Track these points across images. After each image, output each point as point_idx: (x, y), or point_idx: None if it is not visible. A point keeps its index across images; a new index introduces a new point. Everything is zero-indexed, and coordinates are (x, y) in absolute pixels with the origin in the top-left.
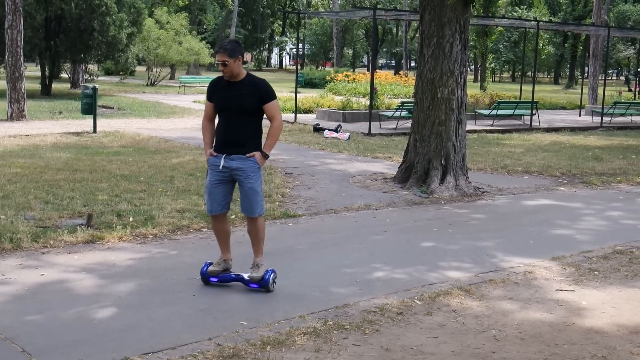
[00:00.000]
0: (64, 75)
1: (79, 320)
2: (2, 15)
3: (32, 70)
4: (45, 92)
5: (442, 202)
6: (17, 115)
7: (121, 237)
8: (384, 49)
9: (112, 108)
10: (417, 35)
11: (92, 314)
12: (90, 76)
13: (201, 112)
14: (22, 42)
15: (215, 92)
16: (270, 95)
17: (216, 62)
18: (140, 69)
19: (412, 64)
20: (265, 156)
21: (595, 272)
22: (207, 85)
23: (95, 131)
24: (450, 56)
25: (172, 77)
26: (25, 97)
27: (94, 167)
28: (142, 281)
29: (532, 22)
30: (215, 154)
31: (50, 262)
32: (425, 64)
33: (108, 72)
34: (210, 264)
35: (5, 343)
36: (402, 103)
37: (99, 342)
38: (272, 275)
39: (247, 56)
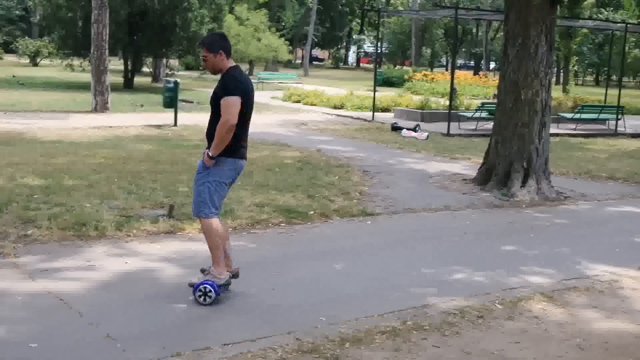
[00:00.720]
0: (145, 69)
1: (162, 308)
2: (88, 11)
3: (115, 64)
4: (128, 85)
5: (523, 206)
6: (101, 107)
7: (201, 229)
8: (463, 49)
9: (192, 102)
10: (497, 35)
11: (174, 302)
12: (170, 70)
13: (278, 108)
14: (107, 37)
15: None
16: (224, 91)
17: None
18: None
19: (492, 64)
20: (210, 157)
21: None
22: (284, 81)
23: (176, 124)
24: (536, 57)
25: (250, 73)
26: (109, 90)
27: (174, 159)
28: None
29: (620, 24)
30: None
31: (134, 250)
32: (509, 64)
33: (188, 67)
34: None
35: (91, 328)
36: (483, 104)
37: (181, 330)
38: (203, 287)
39: (323, 54)
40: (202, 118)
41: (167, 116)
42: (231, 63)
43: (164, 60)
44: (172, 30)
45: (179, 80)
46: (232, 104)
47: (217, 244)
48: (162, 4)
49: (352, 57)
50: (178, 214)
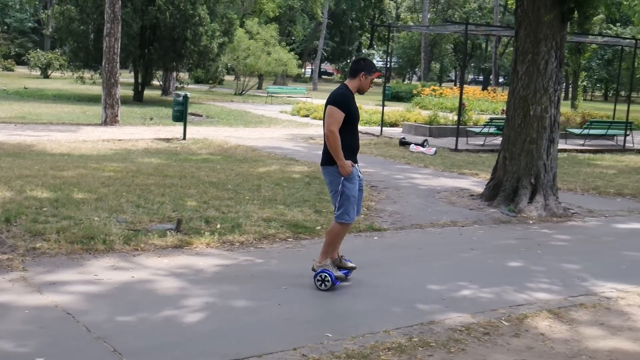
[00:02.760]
0: (155, 82)
1: (168, 323)
2: (100, 24)
3: (126, 76)
4: (137, 98)
5: (531, 222)
6: (110, 120)
7: (209, 244)
8: (472, 64)
9: (201, 116)
10: (506, 50)
11: (180, 317)
12: (180, 84)
13: (287, 123)
14: (119, 50)
15: (351, 104)
16: None
17: (371, 80)
18: (229, 78)
19: (501, 79)
20: None
21: None
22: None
23: (185, 138)
24: (545, 73)
25: (259, 87)
26: (119, 103)
27: (183, 173)
28: (229, 288)
29: (630, 40)
30: (353, 164)
31: (141, 264)
32: (519, 80)
33: (197, 81)
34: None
35: (98, 342)
36: (491, 119)
37: (187, 345)
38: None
39: (329, 68)
40: (211, 132)
41: (176, 130)
42: (353, 83)
43: (174, 74)
44: (183, 43)
45: (188, 94)
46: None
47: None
48: (174, 17)
49: None
50: (186, 228)
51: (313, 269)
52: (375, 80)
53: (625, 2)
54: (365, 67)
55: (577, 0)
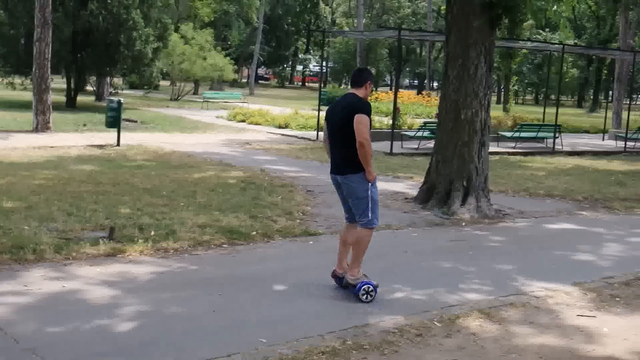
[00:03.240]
0: (89, 88)
1: (100, 333)
2: (31, 28)
3: (58, 82)
4: (71, 104)
5: (463, 224)
6: (42, 126)
7: (142, 251)
8: (407, 69)
9: (136, 122)
10: (440, 55)
11: (112, 327)
12: (114, 89)
13: (223, 128)
14: (50, 55)
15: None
16: None
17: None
18: (165, 83)
19: (435, 84)
20: None
21: (617, 299)
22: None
23: (119, 144)
24: (475, 78)
25: (195, 92)
26: (51, 109)
27: (117, 180)
28: (163, 295)
29: (557, 46)
30: None
31: (72, 273)
32: (450, 85)
33: (132, 86)
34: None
35: (26, 353)
36: (425, 123)
37: (119, 355)
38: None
39: (271, 76)
40: (146, 138)
41: (110, 136)
42: (349, 91)
43: (108, 79)
44: (117, 48)
45: (122, 99)
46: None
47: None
48: (107, 22)
49: (298, 76)
50: (119, 236)
51: (347, 285)
52: (313, 84)
53: (550, 9)
54: (371, 76)
55: (505, 6)
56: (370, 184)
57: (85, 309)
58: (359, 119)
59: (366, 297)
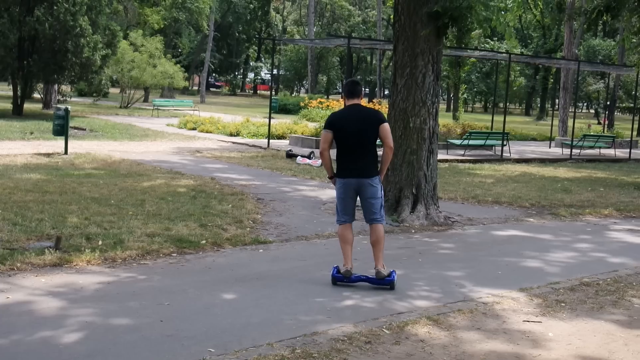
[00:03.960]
0: (36, 95)
1: (45, 345)
2: None
3: (4, 89)
4: (17, 112)
5: (413, 231)
6: None
7: (90, 261)
8: (358, 77)
9: (84, 130)
10: (391, 64)
11: (57, 338)
12: (62, 97)
13: (174, 136)
14: None
15: None
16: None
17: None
18: (114, 90)
19: (386, 92)
20: (328, 177)
21: (562, 304)
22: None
23: (66, 153)
24: (423, 86)
25: (145, 100)
26: None
27: (64, 189)
28: (109, 306)
29: (504, 55)
30: None
31: (17, 284)
32: (398, 93)
33: (81, 94)
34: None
35: None
36: None
37: None
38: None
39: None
40: (95, 146)
41: (57, 144)
42: (348, 102)
43: (56, 86)
44: (64, 55)
45: (69, 107)
46: (322, 136)
47: (340, 244)
48: (54, 29)
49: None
50: (65, 245)
51: (381, 276)
52: (264, 92)
53: (495, 19)
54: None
55: (451, 16)
56: (381, 185)
57: (30, 320)
58: (389, 128)
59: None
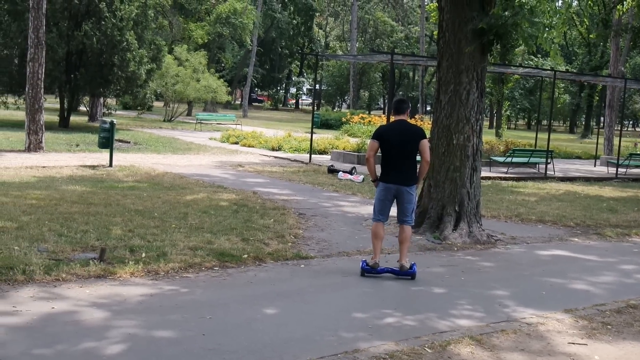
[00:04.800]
0: (82, 108)
1: (88, 356)
2: (24, 48)
3: (52, 102)
4: (64, 124)
5: (455, 249)
6: (34, 146)
7: (133, 273)
8: (400, 93)
9: (129, 142)
10: (433, 79)
11: (101, 349)
12: (108, 110)
13: (216, 150)
14: (43, 75)
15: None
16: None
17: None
18: (158, 104)
19: (428, 107)
20: (372, 180)
21: (609, 326)
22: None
23: (111, 165)
24: (467, 103)
25: (189, 114)
26: (44, 129)
27: (108, 201)
28: (152, 318)
29: (549, 72)
30: None
31: (62, 295)
32: (442, 110)
33: (126, 107)
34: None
35: None
36: None
37: None
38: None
39: (266, 97)
40: (139, 159)
41: (102, 156)
42: (395, 118)
43: (102, 100)
44: (110, 69)
45: (114, 120)
46: (369, 144)
47: (372, 239)
48: (101, 43)
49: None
50: (110, 257)
51: (404, 269)
52: (306, 107)
53: (541, 36)
54: (409, 105)
55: (496, 33)
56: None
57: (74, 331)
58: (427, 143)
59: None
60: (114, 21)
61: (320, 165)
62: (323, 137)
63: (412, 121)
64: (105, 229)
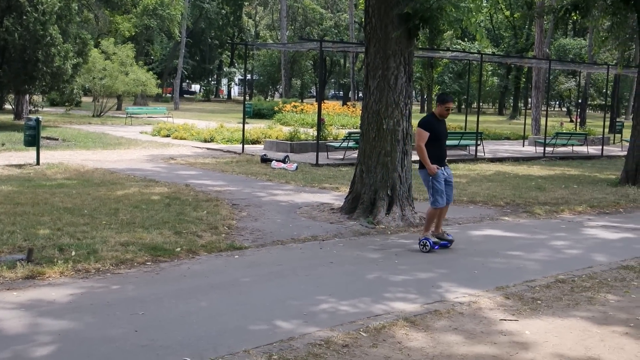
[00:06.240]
0: (7, 106)
1: (16, 359)
2: None
3: None
4: None
5: (389, 233)
6: None
7: (62, 272)
8: (332, 80)
9: (57, 139)
10: (364, 67)
11: (29, 352)
12: (34, 107)
13: (147, 143)
14: None
15: (433, 126)
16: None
17: (445, 108)
18: (87, 99)
19: (360, 94)
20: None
21: (538, 302)
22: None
23: (38, 163)
24: (395, 88)
25: (119, 108)
26: None
27: (36, 200)
28: (83, 317)
29: (476, 55)
30: (439, 167)
31: None
32: (371, 95)
33: (53, 103)
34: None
35: None
36: (349, 134)
37: None
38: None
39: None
40: (68, 156)
41: (29, 155)
42: (436, 111)
43: (27, 97)
44: (35, 65)
45: (40, 117)
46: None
47: (435, 220)
48: (24, 38)
49: (224, 90)
50: (38, 257)
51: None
52: (238, 97)
53: (465, 19)
54: (438, 99)
55: (422, 17)
56: (430, 177)
57: (1, 335)
58: (417, 131)
59: (422, 248)
60: (36, 15)
61: (253, 155)
62: (256, 126)
63: (344, 108)
64: (33, 229)
